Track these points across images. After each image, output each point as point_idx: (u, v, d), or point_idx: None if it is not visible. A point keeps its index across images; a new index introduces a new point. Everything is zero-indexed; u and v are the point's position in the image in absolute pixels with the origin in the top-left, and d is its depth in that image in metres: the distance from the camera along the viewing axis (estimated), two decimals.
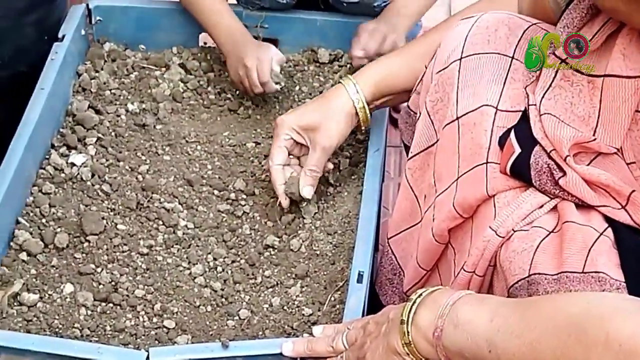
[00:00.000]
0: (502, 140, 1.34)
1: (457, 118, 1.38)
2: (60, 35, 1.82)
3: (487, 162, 1.34)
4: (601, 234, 1.24)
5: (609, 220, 1.28)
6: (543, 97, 1.34)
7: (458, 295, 1.17)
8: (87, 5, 1.91)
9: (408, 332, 1.18)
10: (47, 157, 1.70)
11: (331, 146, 1.60)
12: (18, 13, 1.80)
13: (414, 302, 1.19)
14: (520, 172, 1.32)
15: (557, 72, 1.34)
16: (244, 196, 1.70)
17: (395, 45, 1.81)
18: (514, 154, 1.32)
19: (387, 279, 1.58)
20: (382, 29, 1.83)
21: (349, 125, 1.61)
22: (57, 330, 1.45)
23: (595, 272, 1.20)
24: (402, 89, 1.61)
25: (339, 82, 1.62)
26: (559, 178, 1.29)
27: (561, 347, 1.04)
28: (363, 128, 1.64)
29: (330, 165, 1.67)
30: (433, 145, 1.45)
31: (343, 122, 1.60)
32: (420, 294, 1.20)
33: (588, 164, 1.31)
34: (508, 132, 1.34)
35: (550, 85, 1.34)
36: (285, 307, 1.51)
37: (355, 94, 1.59)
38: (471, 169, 1.36)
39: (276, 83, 1.80)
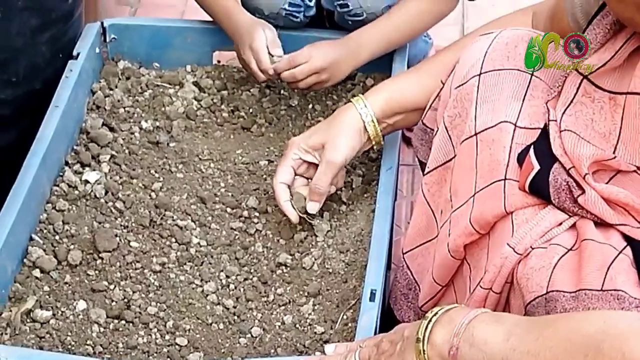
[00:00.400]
0: (521, 157, 1.33)
1: (476, 134, 1.37)
2: (74, 53, 1.83)
3: (505, 179, 1.33)
4: (620, 252, 1.23)
5: (628, 239, 1.27)
6: (564, 112, 1.33)
7: (474, 314, 1.17)
8: (102, 23, 1.92)
9: (424, 350, 1.18)
10: (61, 174, 1.71)
11: (337, 161, 1.60)
12: (33, 31, 1.81)
13: (430, 320, 1.19)
14: (539, 190, 1.31)
15: (578, 88, 1.33)
16: (257, 214, 1.70)
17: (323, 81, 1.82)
18: (533, 171, 1.31)
19: (402, 294, 1.58)
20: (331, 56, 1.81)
21: (358, 140, 1.61)
22: (69, 347, 1.46)
23: (614, 290, 1.19)
24: (413, 107, 1.60)
25: (349, 101, 1.63)
26: (578, 196, 1.28)
27: None
28: (375, 146, 1.64)
29: (340, 183, 1.67)
30: (450, 160, 1.45)
31: (351, 137, 1.60)
32: (436, 312, 1.20)
33: (607, 182, 1.30)
34: (527, 148, 1.33)
35: (571, 101, 1.33)
36: (297, 325, 1.51)
37: (363, 108, 1.60)
38: (488, 185, 1.35)
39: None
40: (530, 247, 1.29)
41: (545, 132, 1.34)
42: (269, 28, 1.83)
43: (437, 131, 1.48)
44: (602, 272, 1.21)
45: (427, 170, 1.50)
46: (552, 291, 1.22)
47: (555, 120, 1.33)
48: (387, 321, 1.57)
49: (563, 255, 1.26)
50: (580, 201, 1.28)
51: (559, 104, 1.35)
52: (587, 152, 1.29)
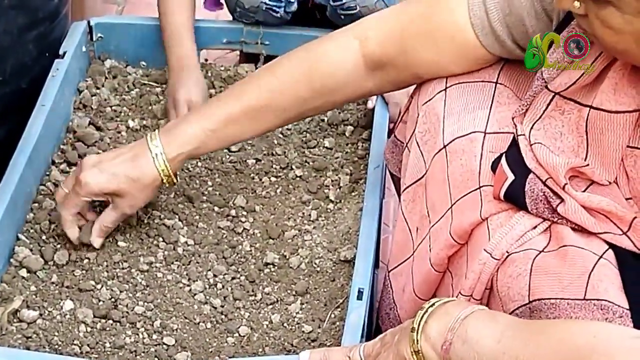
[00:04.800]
0: (494, 165, 1.32)
1: (445, 146, 1.37)
2: (61, 52, 1.83)
3: (480, 187, 1.33)
4: (601, 256, 1.23)
5: (609, 243, 1.26)
6: (532, 127, 1.31)
7: (470, 310, 1.17)
8: (89, 22, 1.92)
9: (417, 340, 1.18)
10: (48, 173, 1.70)
11: (132, 213, 1.59)
12: (19, 30, 1.80)
13: (426, 311, 1.19)
14: (515, 199, 1.30)
15: (549, 104, 1.31)
16: (244, 213, 1.70)
17: None
18: (507, 181, 1.30)
19: (386, 313, 1.56)
20: None
21: (155, 191, 1.57)
22: (56, 347, 1.45)
23: (597, 299, 1.18)
24: (215, 150, 1.62)
25: (149, 147, 1.53)
26: (557, 205, 1.27)
27: None
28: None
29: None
30: (423, 177, 1.44)
31: (149, 191, 1.55)
32: (433, 304, 1.20)
33: (584, 190, 1.29)
34: (500, 157, 1.32)
35: (540, 117, 1.31)
36: (285, 324, 1.51)
37: (163, 170, 1.52)
38: (464, 195, 1.34)
39: None
40: (507, 252, 1.28)
41: (516, 141, 1.33)
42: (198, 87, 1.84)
43: (406, 147, 1.47)
44: (584, 280, 1.20)
45: (403, 187, 1.48)
46: (535, 300, 1.22)
47: (524, 135, 1.31)
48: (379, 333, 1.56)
49: (535, 258, 1.25)
50: (560, 211, 1.27)
51: (526, 119, 1.32)
52: (561, 160, 1.27)
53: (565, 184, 1.26)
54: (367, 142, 1.78)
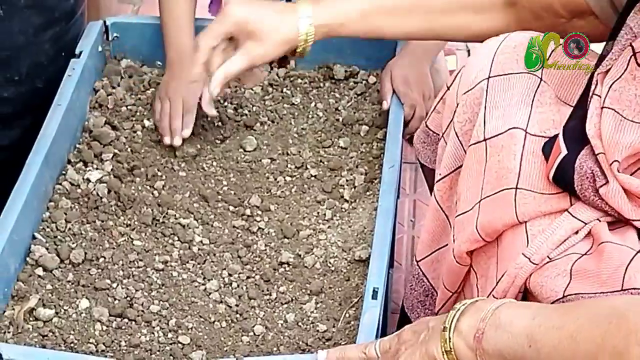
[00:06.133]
0: (546, 148, 1.31)
1: (485, 139, 1.35)
2: (77, 52, 1.83)
3: (516, 188, 1.31)
4: (638, 252, 1.22)
5: None
6: (610, 87, 1.29)
7: (501, 302, 1.17)
8: (105, 22, 1.92)
9: (450, 338, 1.17)
10: (64, 172, 1.71)
11: (256, 63, 1.57)
12: (35, 30, 1.81)
13: (458, 310, 1.19)
14: (564, 177, 1.29)
15: (629, 62, 1.28)
16: (260, 212, 1.70)
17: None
18: (560, 156, 1.29)
19: (419, 301, 1.56)
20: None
21: (282, 52, 1.57)
22: (72, 345, 1.46)
23: (634, 288, 1.18)
24: (353, 36, 1.60)
25: (297, 9, 1.54)
26: (600, 186, 1.26)
27: (601, 335, 1.03)
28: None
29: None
30: (462, 165, 1.43)
31: (279, 47, 1.55)
32: (465, 303, 1.20)
33: (634, 172, 1.28)
34: (552, 139, 1.31)
35: (620, 77, 1.29)
36: (300, 323, 1.51)
37: (307, 32, 1.54)
38: (496, 192, 1.33)
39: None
40: (547, 257, 1.27)
41: (578, 112, 1.31)
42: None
43: (443, 138, 1.47)
44: (621, 272, 1.20)
45: (438, 177, 1.48)
46: (570, 294, 1.22)
47: (600, 96, 1.29)
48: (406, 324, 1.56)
49: (577, 260, 1.24)
50: (602, 192, 1.26)
51: (607, 77, 1.30)
52: (627, 139, 1.26)
53: (615, 161, 1.25)
54: (382, 142, 1.78)
